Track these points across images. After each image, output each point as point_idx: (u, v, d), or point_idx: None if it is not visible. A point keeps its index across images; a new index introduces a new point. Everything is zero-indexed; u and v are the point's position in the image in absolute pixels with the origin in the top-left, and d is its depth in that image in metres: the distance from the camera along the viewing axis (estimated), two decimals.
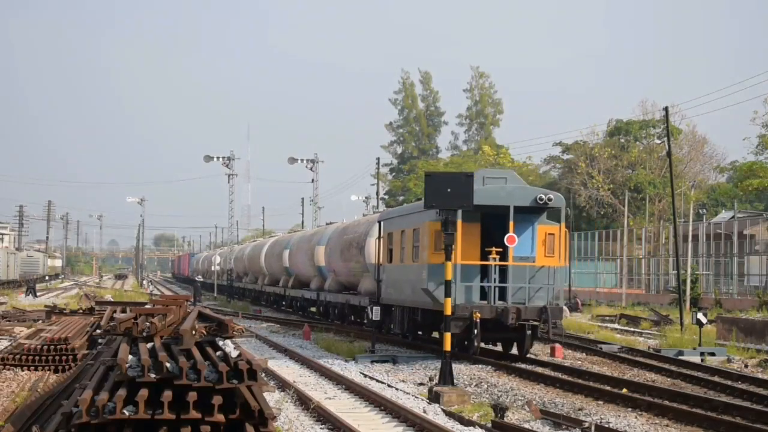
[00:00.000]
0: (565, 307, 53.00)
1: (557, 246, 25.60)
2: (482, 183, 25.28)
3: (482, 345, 26.45)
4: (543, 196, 25.11)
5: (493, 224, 25.00)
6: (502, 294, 25.28)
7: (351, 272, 38.07)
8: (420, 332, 30.44)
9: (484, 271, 25.46)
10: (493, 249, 24.76)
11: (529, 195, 25.39)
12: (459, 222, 23.84)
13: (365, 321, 36.29)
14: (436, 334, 29.10)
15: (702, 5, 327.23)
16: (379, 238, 31.36)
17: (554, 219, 26.32)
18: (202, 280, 70.01)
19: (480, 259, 25.24)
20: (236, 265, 71.88)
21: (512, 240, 24.29)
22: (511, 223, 24.40)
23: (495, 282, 25.03)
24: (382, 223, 31.49)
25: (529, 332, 25.34)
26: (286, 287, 51.17)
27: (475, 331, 24.55)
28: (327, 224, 49.56)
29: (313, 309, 47.81)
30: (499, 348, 28.61)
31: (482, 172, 27.10)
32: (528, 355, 27.25)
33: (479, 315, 24.38)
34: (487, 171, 26.70)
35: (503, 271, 25.29)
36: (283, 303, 54.03)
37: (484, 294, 25.52)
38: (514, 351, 27.43)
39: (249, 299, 66.45)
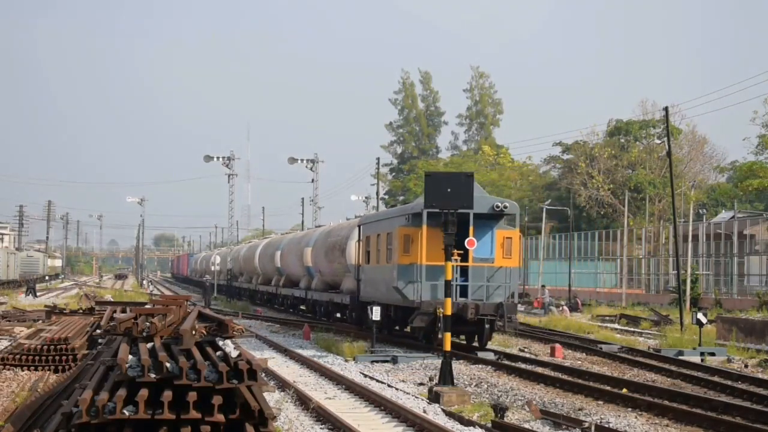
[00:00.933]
0: (565, 307, 53.39)
1: (514, 249, 28.36)
2: None
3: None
4: (499, 204, 27.92)
5: (457, 229, 25.96)
6: (464, 291, 27.67)
7: (334, 272, 40.11)
8: (397, 327, 32.47)
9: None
10: (455, 251, 25.92)
11: (488, 203, 28.00)
12: (424, 227, 27.09)
13: (347, 318, 38.71)
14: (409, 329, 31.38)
15: (702, 5, 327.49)
16: (358, 241, 34.14)
17: (513, 224, 29.05)
18: (211, 280, 70.10)
19: (444, 261, 26.13)
20: (233, 265, 72.70)
21: (472, 243, 25.99)
22: (471, 228, 26.44)
23: (457, 281, 27.14)
24: (361, 227, 34.10)
25: (487, 326, 27.90)
26: (278, 286, 53.27)
27: (439, 324, 25.92)
28: (316, 227, 52.73)
29: (303, 307, 49.71)
30: (461, 340, 30.53)
31: None
32: (528, 356, 27.89)
33: (442, 310, 25.57)
34: None
35: (465, 271, 27.70)
36: (276, 301, 55.97)
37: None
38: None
39: (245, 298, 67.47)
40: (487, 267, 27.87)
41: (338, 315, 41.42)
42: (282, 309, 53.74)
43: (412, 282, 27.62)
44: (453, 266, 26.37)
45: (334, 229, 41.93)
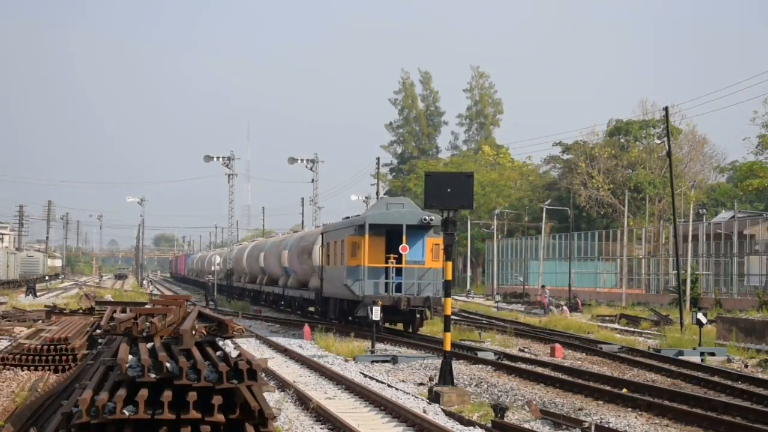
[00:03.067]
0: (565, 307, 53.40)
1: (441, 253, 33.09)
2: (386, 208, 34.95)
3: (386, 325, 35.24)
4: (426, 218, 33.45)
5: (395, 237, 33.22)
6: (399, 288, 33.47)
7: (305, 272, 46.13)
8: (350, 317, 37.00)
9: (388, 272, 33.55)
10: (392, 255, 33.08)
11: (418, 216, 33.71)
12: (367, 236, 33.33)
13: (312, 310, 46.37)
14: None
15: (702, 5, 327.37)
16: (322, 246, 40.13)
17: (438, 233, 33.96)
18: (213, 280, 70.46)
19: (384, 263, 33.43)
20: (225, 265, 74.68)
21: (405, 249, 32.61)
22: (404, 237, 32.79)
23: (392, 279, 33.47)
24: (323, 234, 40.31)
25: (418, 315, 34.12)
26: (262, 284, 59.00)
27: (380, 314, 32.22)
28: (293, 232, 60.89)
29: (282, 302, 55.05)
30: (398, 327, 36.83)
31: (386, 200, 37.42)
32: (528, 356, 28.10)
33: (381, 303, 31.75)
34: (389, 198, 38.76)
35: (400, 272, 33.62)
36: (261, 298, 61.02)
37: (387, 288, 33.78)
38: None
39: (236, 295, 69.68)
40: (417, 268, 33.56)
41: (310, 309, 46.98)
42: (264, 304, 58.69)
43: (358, 280, 33.61)
44: (391, 267, 33.44)
45: (305, 235, 48.62)
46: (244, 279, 66.89)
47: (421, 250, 33.74)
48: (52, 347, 22.45)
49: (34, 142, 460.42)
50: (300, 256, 46.42)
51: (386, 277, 33.49)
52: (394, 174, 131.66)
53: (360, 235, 33.74)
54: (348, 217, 38.98)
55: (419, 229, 33.58)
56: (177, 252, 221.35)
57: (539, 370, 24.42)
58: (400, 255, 32.99)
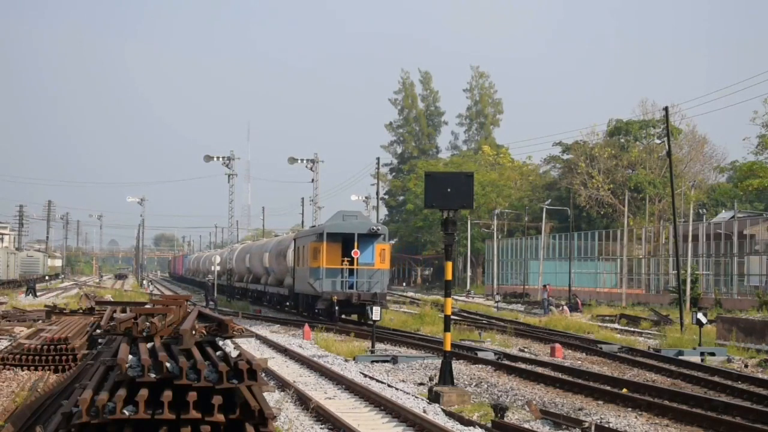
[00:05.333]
0: (565, 307, 53.41)
1: (387, 257, 41.69)
2: (342, 219, 41.55)
3: (343, 316, 41.83)
4: (374, 228, 41.07)
5: (349, 244, 40.09)
6: (352, 285, 40.30)
7: (281, 272, 53.19)
8: (316, 311, 42.64)
9: (343, 272, 40.36)
10: (346, 259, 40.12)
11: (368, 226, 41.18)
12: (325, 243, 40.15)
13: (288, 304, 52.31)
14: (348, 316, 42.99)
15: (703, 5, 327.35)
16: (294, 249, 47.19)
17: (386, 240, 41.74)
18: (212, 279, 70.69)
19: (340, 265, 40.32)
20: (225, 266, 76.75)
21: (356, 253, 39.77)
22: (356, 243, 39.85)
23: (346, 278, 40.38)
24: (295, 240, 47.88)
25: (368, 308, 37.55)
26: (247, 282, 66.30)
27: (335, 307, 39.85)
28: (275, 236, 69.79)
29: (265, 299, 60.79)
30: (353, 318, 43.07)
31: (342, 212, 42.92)
32: (528, 356, 28.15)
33: (336, 297, 39.72)
34: (345, 211, 43.59)
35: (353, 272, 40.36)
36: (247, 294, 67.29)
37: (342, 285, 40.37)
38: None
39: (227, 292, 71.30)
40: (367, 269, 40.40)
41: (286, 304, 52.85)
42: (251, 300, 64.36)
43: (318, 279, 40.48)
44: (345, 268, 40.05)
45: (282, 240, 56.32)
46: (234, 278, 73.85)
47: (371, 254, 40.61)
48: (52, 347, 22.43)
49: (34, 142, 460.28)
50: (277, 258, 53.45)
51: (341, 277, 40.37)
52: (394, 174, 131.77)
53: (320, 241, 40.59)
54: (314, 226, 43.90)
55: (369, 237, 40.66)
56: (176, 252, 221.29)
57: (539, 370, 24.41)
58: (353, 258, 39.66)
